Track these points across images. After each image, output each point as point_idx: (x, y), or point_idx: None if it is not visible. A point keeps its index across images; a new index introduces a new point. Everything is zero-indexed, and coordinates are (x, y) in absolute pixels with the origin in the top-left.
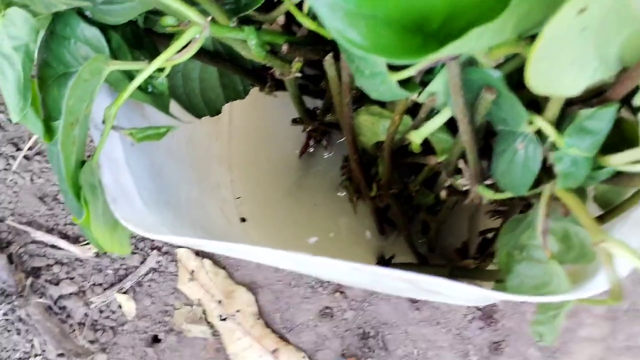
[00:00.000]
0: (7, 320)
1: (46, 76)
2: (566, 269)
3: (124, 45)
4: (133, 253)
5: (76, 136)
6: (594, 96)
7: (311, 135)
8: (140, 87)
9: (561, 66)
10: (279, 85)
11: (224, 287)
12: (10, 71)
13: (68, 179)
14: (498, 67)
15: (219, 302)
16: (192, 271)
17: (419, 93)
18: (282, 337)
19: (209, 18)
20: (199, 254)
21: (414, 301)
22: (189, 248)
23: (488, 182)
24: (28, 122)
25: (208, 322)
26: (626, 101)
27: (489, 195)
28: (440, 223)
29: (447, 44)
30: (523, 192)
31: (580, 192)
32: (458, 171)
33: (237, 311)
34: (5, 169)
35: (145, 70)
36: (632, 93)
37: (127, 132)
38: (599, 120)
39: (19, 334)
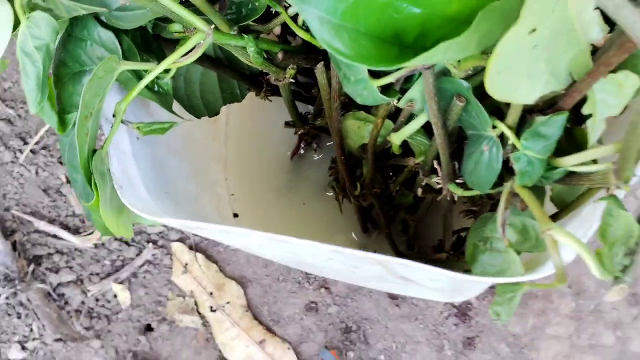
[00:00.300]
0: (8, 304)
1: (62, 74)
2: (524, 259)
3: (134, 48)
4: (129, 245)
5: (89, 127)
6: (550, 106)
7: (302, 138)
8: (147, 86)
9: (516, 78)
10: (273, 91)
11: (215, 280)
12: (32, 68)
13: (81, 166)
14: (468, 78)
15: (210, 294)
16: (186, 264)
17: (399, 99)
18: (269, 329)
19: (213, 26)
20: (193, 248)
21: (393, 298)
22: (183, 243)
23: (458, 180)
24: (44, 114)
25: (199, 313)
26: (576, 111)
27: (458, 192)
28: (419, 222)
29: (420, 54)
30: (487, 189)
31: (538, 191)
32: (433, 171)
33: (227, 303)
34: (12, 162)
35: (154, 70)
36: (581, 103)
37: (134, 126)
38: (551, 127)
39: (19, 317)
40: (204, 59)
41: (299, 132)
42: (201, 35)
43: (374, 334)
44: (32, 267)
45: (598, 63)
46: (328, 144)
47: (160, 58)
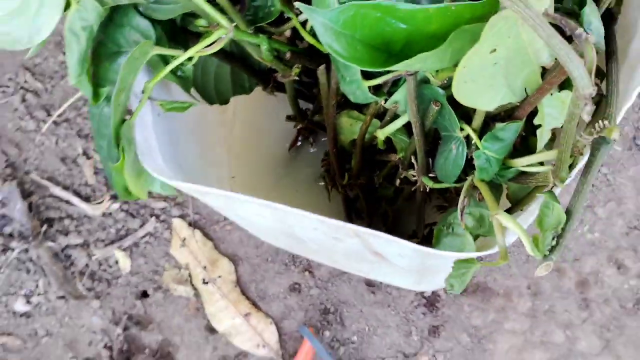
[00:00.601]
0: (19, 259)
1: (100, 53)
2: (479, 244)
3: (164, 36)
4: (134, 217)
5: (122, 100)
6: (509, 116)
7: (300, 132)
8: (172, 71)
9: (479, 88)
10: (278, 87)
11: (210, 256)
12: (76, 46)
13: (113, 132)
14: (444, 87)
15: (204, 268)
16: (184, 239)
17: (386, 100)
18: (255, 304)
19: (234, 24)
20: (192, 225)
21: (370, 285)
22: (183, 219)
23: (431, 175)
24: (81, 86)
25: (192, 284)
26: (530, 121)
27: (430, 184)
28: (397, 212)
29: (402, 61)
30: (452, 181)
31: (495, 187)
32: (411, 166)
33: (219, 277)
34: (35, 131)
35: (180, 57)
36: (533, 115)
37: (158, 103)
38: (507, 132)
39: (27, 272)
40: (220, 53)
41: (298, 127)
42: (223, 30)
43: (350, 317)
44: (44, 227)
45: (545, 82)
46: (323, 139)
47: (184, 47)
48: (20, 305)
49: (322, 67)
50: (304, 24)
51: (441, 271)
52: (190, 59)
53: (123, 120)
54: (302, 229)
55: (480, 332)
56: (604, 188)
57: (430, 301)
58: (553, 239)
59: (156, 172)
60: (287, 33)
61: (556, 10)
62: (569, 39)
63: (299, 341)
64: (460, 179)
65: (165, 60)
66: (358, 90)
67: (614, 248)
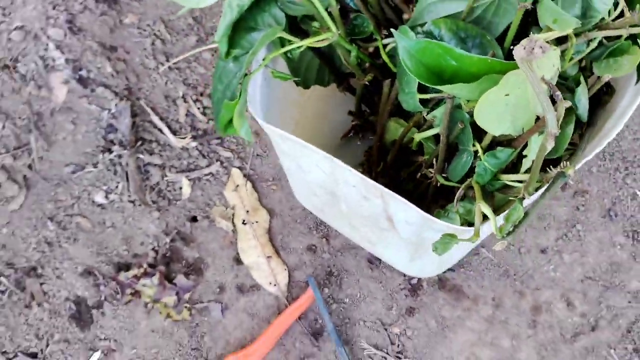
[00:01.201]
0: (111, 161)
1: (241, 26)
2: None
3: (287, 26)
4: (204, 157)
5: (250, 61)
6: (509, 142)
7: (354, 127)
8: (285, 51)
9: (491, 118)
10: (349, 88)
11: (253, 204)
12: (229, 16)
13: (243, 79)
14: (469, 114)
15: (247, 212)
16: (237, 186)
17: (428, 112)
18: (277, 251)
19: (338, 32)
20: (246, 176)
21: (371, 262)
22: (241, 170)
23: (444, 174)
24: (221, 44)
25: (233, 222)
26: (523, 149)
27: (441, 180)
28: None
29: (446, 85)
30: (456, 180)
31: (486, 193)
32: (431, 166)
33: (256, 222)
34: (153, 69)
35: (296, 43)
36: (525, 146)
37: (271, 70)
38: (503, 154)
39: (114, 174)
40: (317, 50)
41: (354, 122)
42: (330, 34)
43: (347, 283)
44: (138, 143)
45: (535, 125)
46: (370, 137)
47: (300, 38)
48: (99, 198)
49: (388, 80)
50: (384, 46)
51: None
52: (300, 47)
53: (245, 74)
54: (345, 183)
55: (446, 322)
56: (575, 241)
57: (414, 288)
58: (512, 230)
59: (256, 115)
60: (371, 49)
61: (559, 84)
62: (553, 100)
63: (303, 290)
64: (463, 180)
65: (282, 42)
66: (411, 100)
67: (568, 288)
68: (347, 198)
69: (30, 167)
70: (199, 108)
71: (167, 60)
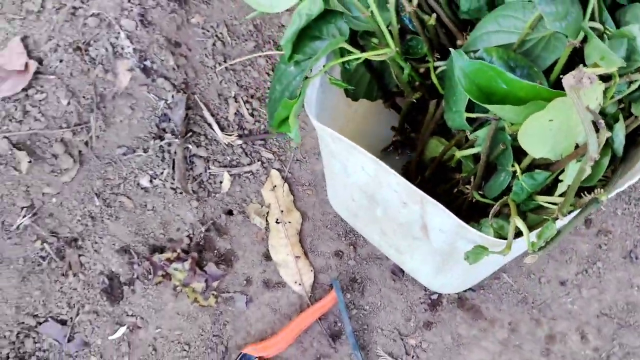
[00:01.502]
0: (161, 147)
1: (306, 33)
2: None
3: (349, 39)
4: (247, 156)
5: (312, 66)
6: (547, 166)
7: (395, 142)
8: (344, 61)
9: (533, 141)
10: (393, 106)
11: (288, 206)
12: (297, 24)
13: (303, 80)
14: (512, 136)
15: (281, 212)
16: (274, 186)
17: (471, 132)
18: (305, 253)
19: (396, 49)
20: (284, 179)
21: (395, 274)
22: (280, 172)
23: (480, 192)
24: (286, 48)
25: (267, 220)
26: (559, 174)
27: (476, 196)
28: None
29: (494, 105)
30: (492, 197)
31: (521, 214)
32: (468, 182)
33: (289, 222)
34: (211, 67)
35: (356, 55)
36: (562, 171)
37: (329, 76)
38: (541, 176)
39: (162, 160)
40: (370, 65)
41: (395, 138)
42: (389, 50)
43: (369, 291)
44: (188, 134)
45: (575, 151)
46: (408, 153)
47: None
48: (144, 181)
49: (434, 101)
50: (435, 68)
51: (460, 262)
52: (358, 59)
53: (306, 77)
54: (387, 187)
55: (462, 339)
56: (594, 277)
57: (434, 303)
58: (544, 246)
59: (310, 114)
60: (421, 70)
61: (603, 117)
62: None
63: (326, 292)
64: (498, 197)
65: (341, 53)
66: (458, 118)
67: (584, 322)
68: (386, 203)
69: (86, 144)
70: (248, 109)
71: (225, 61)
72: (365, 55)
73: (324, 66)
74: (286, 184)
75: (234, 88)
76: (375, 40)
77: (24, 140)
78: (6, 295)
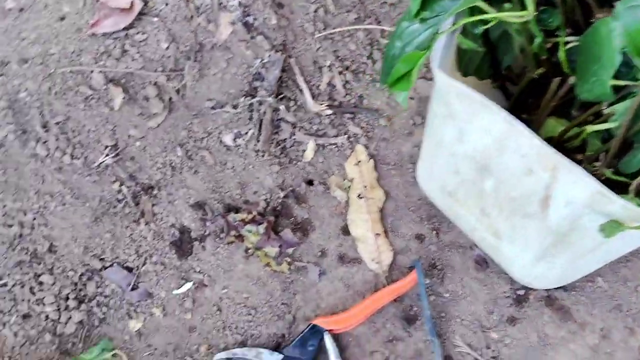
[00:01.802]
0: (250, 106)
1: (429, 4)
2: None
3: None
4: (334, 127)
5: (442, 22)
6: None
7: None
8: (471, 23)
9: None
10: (502, 87)
11: (371, 182)
12: None
13: (434, 37)
14: None
15: (364, 187)
16: (359, 161)
17: (608, 106)
18: (386, 231)
19: (534, 14)
20: (370, 155)
21: (479, 264)
22: (365, 147)
23: (611, 169)
24: (413, 3)
25: (348, 194)
26: None
27: (608, 174)
28: None
29: None
30: (630, 171)
31: None
32: (595, 160)
33: (371, 198)
34: (311, 34)
35: (490, 15)
36: None
37: (458, 35)
38: None
39: (250, 119)
40: (486, 38)
41: None
42: (526, 12)
43: (450, 279)
44: (280, 97)
45: None
46: None
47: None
48: (228, 139)
49: (558, 79)
50: (565, 44)
51: (571, 247)
52: (486, 23)
53: (434, 34)
54: (513, 151)
55: (548, 339)
56: None
57: (520, 299)
58: None
59: (436, 68)
60: (549, 45)
61: None
62: None
63: (403, 275)
64: (636, 174)
65: (471, 13)
66: (599, 86)
67: None
68: (502, 173)
69: (178, 91)
70: (341, 80)
71: (325, 29)
72: (500, 15)
73: (453, 24)
74: (371, 160)
75: (330, 57)
76: (508, 5)
77: (119, 78)
78: (77, 233)
